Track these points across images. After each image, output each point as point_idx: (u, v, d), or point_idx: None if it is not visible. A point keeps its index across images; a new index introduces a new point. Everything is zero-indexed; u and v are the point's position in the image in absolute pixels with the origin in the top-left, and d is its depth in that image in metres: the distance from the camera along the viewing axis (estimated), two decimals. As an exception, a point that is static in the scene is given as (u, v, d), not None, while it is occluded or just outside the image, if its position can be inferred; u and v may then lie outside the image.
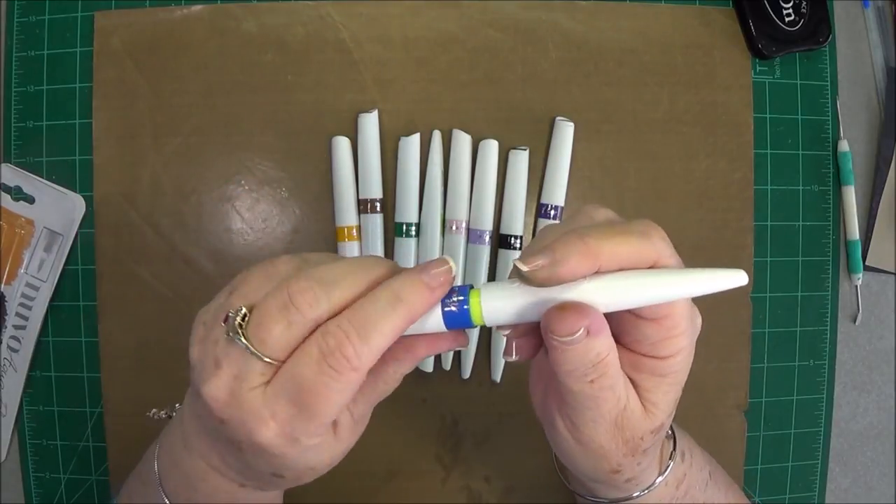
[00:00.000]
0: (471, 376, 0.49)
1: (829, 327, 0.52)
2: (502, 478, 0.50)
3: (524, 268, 0.25)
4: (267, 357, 0.26)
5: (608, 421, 0.28)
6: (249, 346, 0.26)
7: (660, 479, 0.33)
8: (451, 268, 0.26)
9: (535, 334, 0.28)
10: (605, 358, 0.26)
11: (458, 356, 0.49)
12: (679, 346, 0.28)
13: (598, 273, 0.25)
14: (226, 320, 0.26)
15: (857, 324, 0.53)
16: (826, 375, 0.52)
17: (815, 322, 0.52)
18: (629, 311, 0.27)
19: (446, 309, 0.27)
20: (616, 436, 0.28)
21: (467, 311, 0.27)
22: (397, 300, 0.26)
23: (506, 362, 0.49)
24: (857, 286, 0.53)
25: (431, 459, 0.50)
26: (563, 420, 0.29)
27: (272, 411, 0.26)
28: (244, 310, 0.26)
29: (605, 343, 0.26)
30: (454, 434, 0.50)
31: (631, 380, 0.28)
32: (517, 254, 0.48)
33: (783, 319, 0.52)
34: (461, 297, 0.27)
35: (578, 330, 0.25)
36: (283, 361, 0.26)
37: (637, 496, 0.33)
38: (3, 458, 0.50)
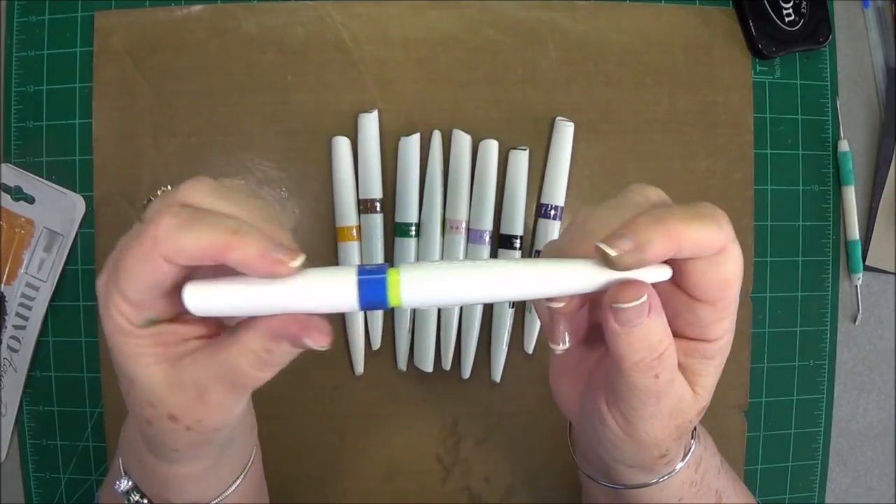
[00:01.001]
0: (471, 376, 0.49)
1: (829, 327, 0.52)
2: (502, 478, 0.50)
3: (612, 252, 0.25)
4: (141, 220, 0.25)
5: (665, 414, 0.28)
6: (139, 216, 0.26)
7: (680, 464, 0.33)
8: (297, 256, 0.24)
9: (580, 318, 0.28)
10: (667, 349, 0.26)
11: (458, 356, 0.49)
12: (727, 328, 0.28)
13: (509, 262, 0.26)
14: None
15: (857, 324, 0.53)
16: (826, 375, 0.52)
17: (815, 322, 0.52)
18: (688, 295, 0.27)
19: (362, 277, 0.25)
20: (668, 425, 0.28)
21: (384, 281, 0.25)
22: (234, 230, 0.24)
23: (505, 362, 0.49)
24: (857, 286, 0.53)
25: (431, 459, 0.50)
26: (615, 416, 0.29)
27: (107, 265, 0.26)
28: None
29: (663, 325, 0.26)
30: (454, 434, 0.50)
31: (682, 365, 0.28)
32: (517, 254, 0.48)
33: (783, 319, 0.52)
34: (380, 270, 0.25)
35: (642, 296, 0.25)
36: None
37: (656, 482, 0.32)
38: (3, 458, 0.50)
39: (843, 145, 0.52)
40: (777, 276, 0.52)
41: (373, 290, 0.25)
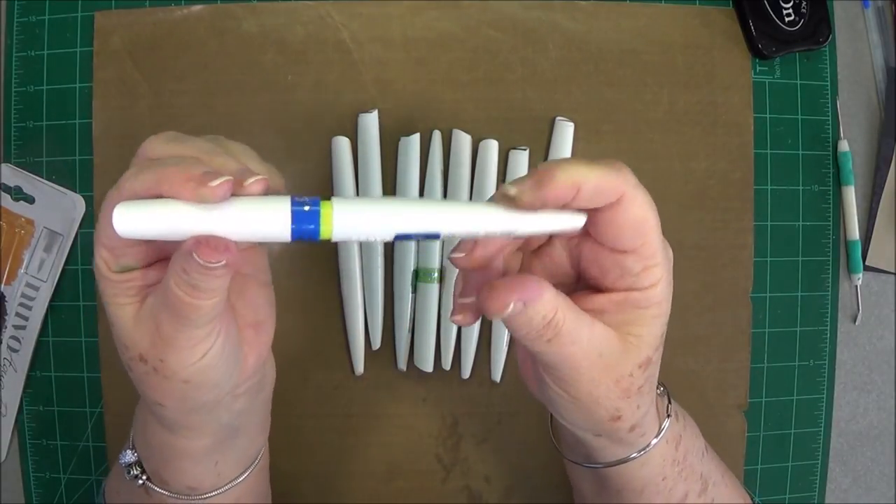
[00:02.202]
0: (471, 376, 0.49)
1: (829, 327, 0.52)
2: (502, 478, 0.50)
3: (512, 189, 0.26)
4: None
5: (587, 370, 0.28)
6: None
7: (655, 440, 0.33)
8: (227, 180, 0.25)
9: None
10: (553, 317, 0.27)
11: (458, 356, 0.49)
12: (657, 276, 0.28)
13: (437, 201, 0.28)
14: None
15: (857, 324, 0.53)
16: (826, 375, 0.53)
17: (815, 322, 0.52)
18: (609, 248, 0.28)
19: (296, 208, 0.25)
20: (603, 379, 0.29)
21: (317, 213, 0.25)
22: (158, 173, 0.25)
23: (505, 362, 0.49)
24: (857, 286, 0.53)
25: (431, 459, 0.50)
26: (550, 377, 0.29)
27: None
28: None
29: (546, 306, 0.27)
30: (454, 434, 0.50)
31: (615, 316, 0.29)
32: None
33: (783, 319, 0.52)
34: (314, 202, 0.26)
35: (508, 306, 0.26)
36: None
37: (634, 457, 0.33)
38: (3, 458, 0.50)
39: (843, 145, 0.52)
40: (777, 276, 0.52)
41: (306, 221, 0.25)
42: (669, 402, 0.35)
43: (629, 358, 0.29)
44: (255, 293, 0.31)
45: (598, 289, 0.30)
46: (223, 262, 0.25)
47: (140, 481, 0.34)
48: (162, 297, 0.26)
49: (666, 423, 0.33)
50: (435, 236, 0.27)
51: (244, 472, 0.35)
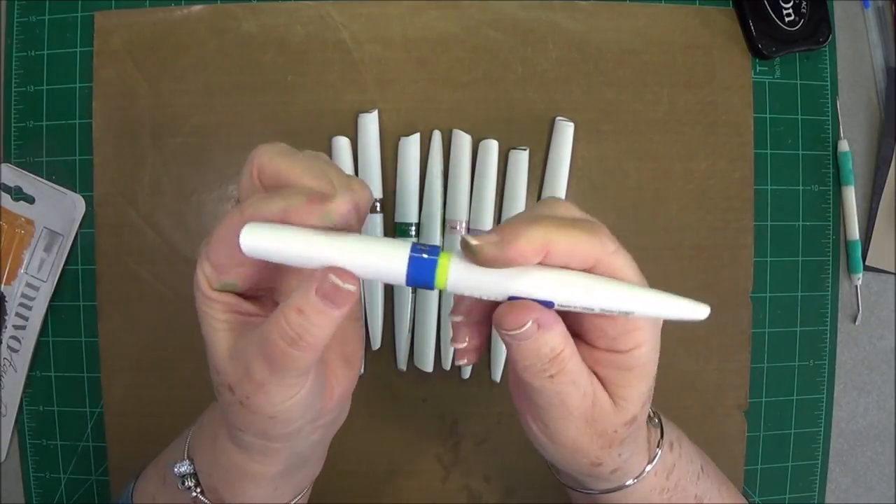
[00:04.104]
0: (471, 376, 0.49)
1: (829, 327, 0.52)
2: (502, 478, 0.50)
3: (473, 242, 0.25)
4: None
5: (577, 417, 0.28)
6: None
7: (648, 466, 0.33)
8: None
9: (487, 324, 0.29)
10: (561, 353, 0.26)
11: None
12: (639, 340, 0.27)
13: (560, 269, 0.26)
14: None
15: (857, 324, 0.53)
16: (826, 375, 0.53)
17: (815, 322, 0.52)
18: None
19: (414, 255, 0.25)
20: (587, 430, 0.28)
21: (434, 262, 0.25)
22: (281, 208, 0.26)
23: (506, 362, 0.49)
24: (857, 286, 0.53)
25: (431, 459, 0.50)
26: (535, 421, 0.29)
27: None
28: None
29: (557, 338, 0.26)
30: (454, 434, 0.50)
31: (598, 374, 0.28)
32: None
33: (783, 319, 0.52)
34: (433, 251, 0.26)
35: (525, 324, 0.25)
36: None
37: (629, 484, 0.32)
38: (3, 458, 0.50)
39: (843, 145, 0.52)
40: (777, 276, 0.52)
41: (422, 269, 0.26)
42: (662, 436, 0.34)
43: (616, 417, 0.28)
44: (346, 326, 0.31)
45: (582, 340, 0.29)
46: (354, 288, 0.25)
47: (193, 493, 0.33)
48: (259, 344, 0.26)
49: (657, 454, 0.33)
50: (548, 304, 0.26)
51: (296, 497, 0.35)
